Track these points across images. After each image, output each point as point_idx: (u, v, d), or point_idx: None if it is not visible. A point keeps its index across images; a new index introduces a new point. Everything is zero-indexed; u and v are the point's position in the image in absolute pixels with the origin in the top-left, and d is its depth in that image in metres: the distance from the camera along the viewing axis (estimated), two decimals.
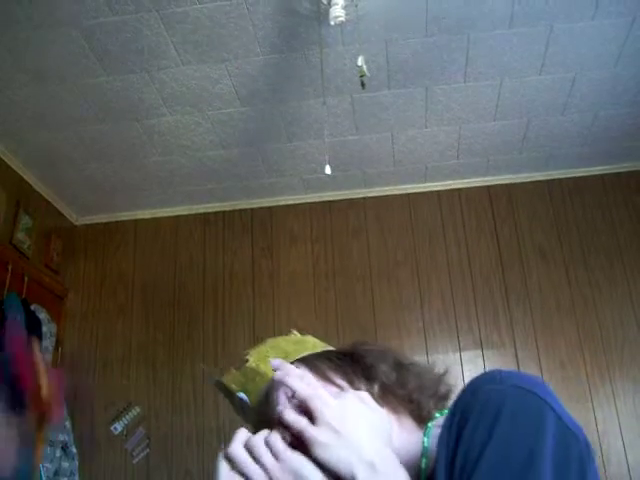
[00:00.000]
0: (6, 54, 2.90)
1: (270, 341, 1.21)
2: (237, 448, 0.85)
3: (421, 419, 1.01)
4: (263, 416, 1.05)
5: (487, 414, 0.80)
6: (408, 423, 1.00)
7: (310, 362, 1.07)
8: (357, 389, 0.99)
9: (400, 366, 1.07)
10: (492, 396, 0.82)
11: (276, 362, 0.99)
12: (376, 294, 3.99)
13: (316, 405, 0.86)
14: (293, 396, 0.90)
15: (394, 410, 1.00)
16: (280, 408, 0.91)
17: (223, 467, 0.84)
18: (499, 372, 0.88)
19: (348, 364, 1.06)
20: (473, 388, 0.87)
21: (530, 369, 3.72)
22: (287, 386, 0.92)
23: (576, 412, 3.55)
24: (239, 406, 1.15)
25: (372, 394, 0.96)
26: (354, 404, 0.88)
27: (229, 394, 1.18)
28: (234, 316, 4.04)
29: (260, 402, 1.07)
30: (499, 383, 0.84)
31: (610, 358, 3.71)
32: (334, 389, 1.00)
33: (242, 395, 1.12)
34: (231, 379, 1.16)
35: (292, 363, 1.05)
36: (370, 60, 2.90)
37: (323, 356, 1.11)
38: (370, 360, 1.06)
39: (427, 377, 1.08)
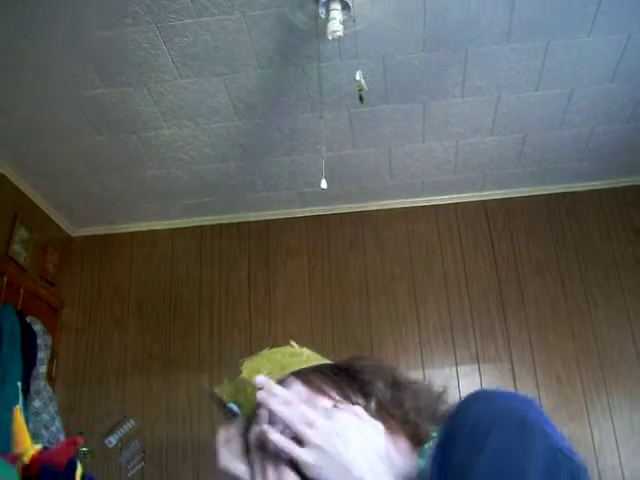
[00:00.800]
0: (4, 66, 2.91)
1: (266, 352, 1.20)
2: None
3: (417, 440, 0.98)
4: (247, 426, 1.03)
5: (476, 436, 0.79)
6: (404, 443, 0.98)
7: (304, 376, 1.04)
8: (353, 404, 0.97)
9: (397, 384, 1.04)
10: (482, 417, 0.82)
11: (261, 380, 0.97)
12: (372, 308, 3.99)
13: (299, 429, 0.86)
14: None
15: (390, 429, 0.97)
16: (265, 428, 0.89)
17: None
18: (489, 392, 0.88)
19: (344, 379, 1.04)
20: (463, 409, 0.86)
21: (526, 384, 3.71)
22: (269, 409, 0.90)
23: (573, 427, 3.56)
24: (230, 418, 1.14)
25: (368, 410, 0.95)
26: (346, 421, 0.88)
27: (221, 405, 1.17)
28: (230, 329, 4.03)
29: (250, 416, 1.06)
30: (488, 403, 0.84)
31: (606, 373, 3.71)
32: (328, 404, 0.98)
33: (233, 406, 1.11)
34: (223, 390, 1.15)
35: (287, 376, 1.03)
36: (368, 75, 2.91)
37: (318, 370, 1.08)
38: (367, 376, 1.03)
39: (425, 397, 1.05)
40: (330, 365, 1.12)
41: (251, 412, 1.00)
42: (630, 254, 3.95)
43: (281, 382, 1.00)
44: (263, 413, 0.94)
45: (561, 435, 0.81)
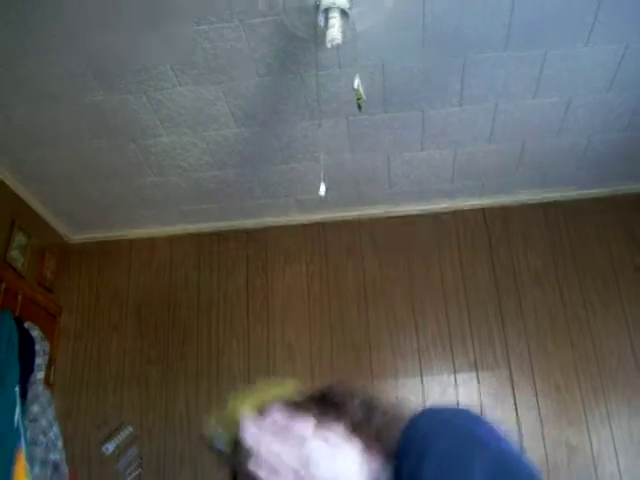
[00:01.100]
0: (3, 71, 2.91)
1: (256, 387, 1.25)
2: None
3: (389, 456, 1.04)
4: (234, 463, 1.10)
5: (424, 445, 0.87)
6: (377, 459, 1.04)
7: (283, 405, 1.12)
8: (327, 428, 1.05)
9: (367, 404, 1.12)
10: (429, 429, 0.90)
11: (243, 418, 1.06)
12: (371, 315, 3.99)
13: (272, 461, 0.95)
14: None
15: (365, 447, 1.04)
16: (240, 460, 0.99)
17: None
18: (437, 408, 0.98)
19: (319, 404, 1.11)
20: (414, 423, 0.94)
21: (525, 392, 3.72)
22: (245, 442, 1.00)
23: (571, 435, 3.56)
24: (213, 449, 1.18)
25: (340, 432, 1.02)
26: (316, 448, 0.97)
27: (210, 446, 1.21)
28: (228, 335, 4.03)
29: (232, 450, 1.12)
30: (436, 417, 0.94)
31: (605, 381, 3.71)
32: (305, 430, 1.05)
33: (217, 440, 1.15)
34: (210, 422, 1.19)
35: (268, 405, 1.11)
36: (366, 83, 2.92)
37: (295, 399, 1.16)
38: (339, 399, 1.12)
39: (393, 414, 1.12)
40: (308, 394, 1.19)
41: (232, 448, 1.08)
42: (629, 262, 3.95)
43: (262, 411, 1.09)
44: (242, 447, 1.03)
45: (509, 447, 0.88)
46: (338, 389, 1.16)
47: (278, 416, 1.07)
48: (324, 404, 1.11)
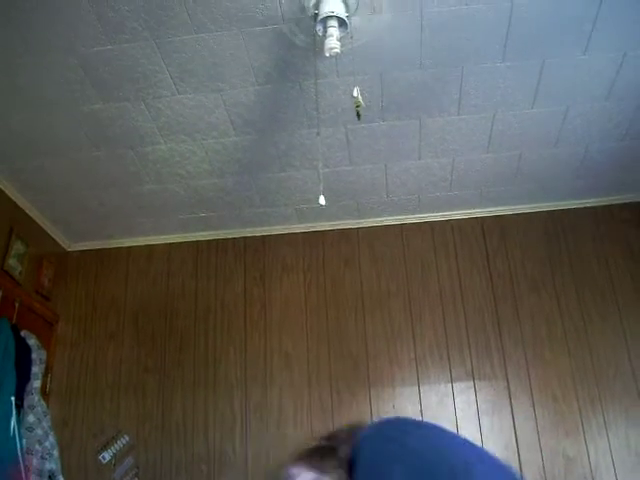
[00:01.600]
0: (2, 80, 2.92)
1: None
2: None
3: None
4: None
5: (354, 464, 0.92)
6: None
7: (300, 457, 1.14)
8: (331, 471, 1.06)
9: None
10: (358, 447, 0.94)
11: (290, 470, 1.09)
12: (368, 324, 3.98)
13: None
14: None
15: None
16: None
17: None
18: (369, 426, 1.00)
19: (327, 449, 1.13)
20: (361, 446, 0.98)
21: (522, 402, 3.71)
22: None
23: (568, 445, 3.56)
24: None
25: (342, 474, 1.03)
26: None
27: None
28: (225, 344, 4.03)
29: None
30: (362, 437, 0.97)
31: (602, 391, 3.70)
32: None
33: None
34: None
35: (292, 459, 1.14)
36: (364, 91, 2.93)
37: (310, 448, 1.18)
38: (339, 442, 1.12)
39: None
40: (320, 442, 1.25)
41: None
42: (625, 271, 3.95)
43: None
44: None
45: (434, 445, 0.90)
46: (337, 434, 1.16)
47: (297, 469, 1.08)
48: (329, 448, 1.12)
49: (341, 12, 2.51)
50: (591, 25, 2.74)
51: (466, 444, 0.90)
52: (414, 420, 1.02)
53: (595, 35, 2.79)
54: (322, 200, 2.65)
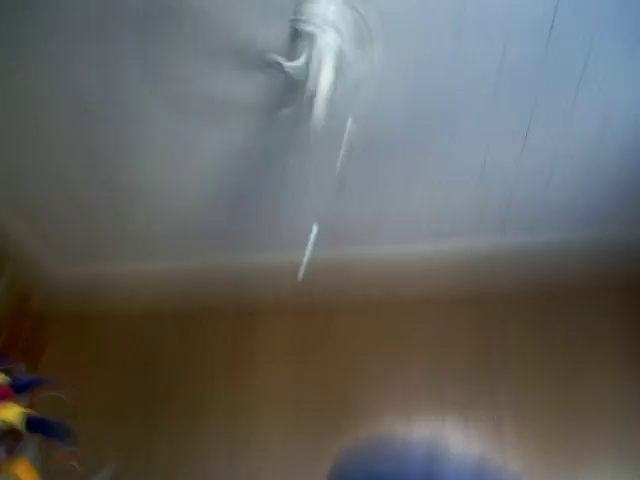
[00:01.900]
0: None
1: None
2: None
3: None
4: None
5: None
6: None
7: None
8: None
9: None
10: None
11: None
12: (358, 357, 3.96)
13: None
14: None
15: None
16: None
17: None
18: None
19: None
20: None
21: (512, 439, 3.67)
22: None
23: None
24: None
25: None
26: None
27: None
28: (210, 378, 4.01)
29: None
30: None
31: (595, 430, 3.66)
32: None
33: None
34: None
35: None
36: (358, 125, 2.95)
37: None
38: None
39: None
40: None
41: None
42: (619, 310, 3.93)
43: None
44: None
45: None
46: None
47: None
48: None
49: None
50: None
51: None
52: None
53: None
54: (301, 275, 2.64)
